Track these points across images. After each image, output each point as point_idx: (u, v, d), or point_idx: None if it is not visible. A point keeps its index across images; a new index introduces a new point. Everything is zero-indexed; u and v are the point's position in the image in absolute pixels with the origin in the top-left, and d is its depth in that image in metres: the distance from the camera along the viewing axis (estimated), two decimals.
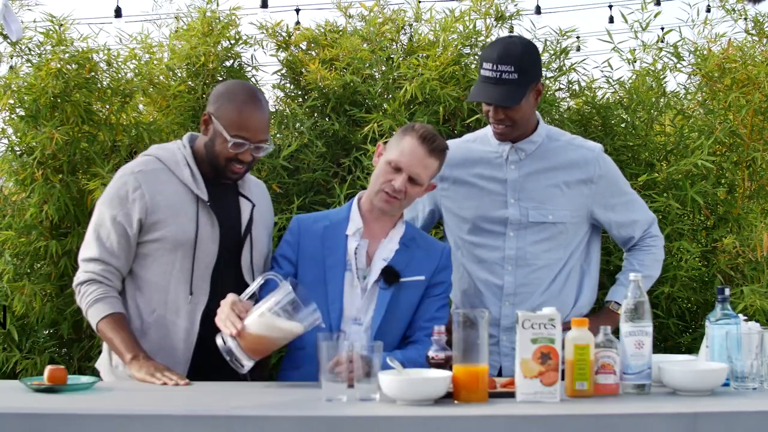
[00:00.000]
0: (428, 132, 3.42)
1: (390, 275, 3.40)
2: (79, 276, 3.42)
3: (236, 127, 3.37)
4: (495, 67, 3.54)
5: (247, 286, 3.30)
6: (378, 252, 3.44)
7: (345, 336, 3.21)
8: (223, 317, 3.11)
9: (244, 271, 3.46)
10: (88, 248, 3.42)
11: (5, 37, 4.71)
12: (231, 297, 3.15)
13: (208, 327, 3.29)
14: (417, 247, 3.48)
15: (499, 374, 3.65)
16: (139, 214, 3.35)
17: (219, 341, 3.09)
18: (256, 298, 3.22)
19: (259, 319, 3.07)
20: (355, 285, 3.40)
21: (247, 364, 3.08)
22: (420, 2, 5.08)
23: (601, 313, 3.72)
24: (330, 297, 3.37)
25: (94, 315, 3.36)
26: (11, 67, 4.92)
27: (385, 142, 3.50)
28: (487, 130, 3.75)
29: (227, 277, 3.42)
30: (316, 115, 4.92)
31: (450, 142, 3.80)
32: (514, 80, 3.53)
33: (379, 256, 3.43)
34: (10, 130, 4.80)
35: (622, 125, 4.82)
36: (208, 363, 3.30)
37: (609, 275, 4.29)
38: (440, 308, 3.45)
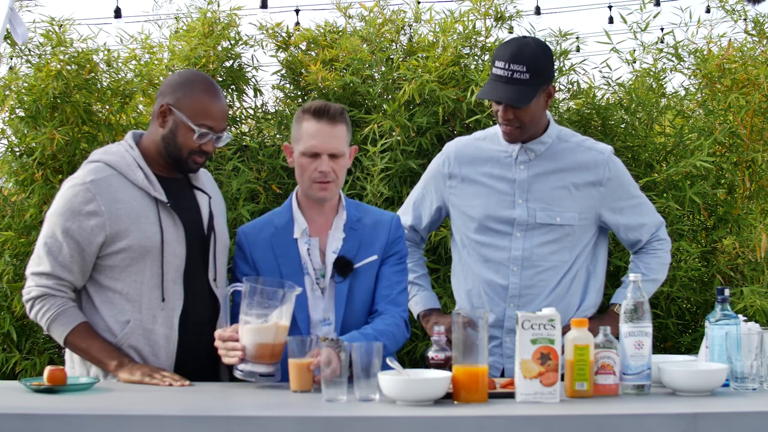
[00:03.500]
0: (318, 105, 3.33)
1: (343, 267, 3.34)
2: (31, 291, 3.27)
3: (201, 116, 3.28)
4: (507, 66, 3.52)
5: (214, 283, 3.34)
6: (328, 245, 3.37)
7: (315, 340, 3.16)
8: (223, 352, 3.11)
9: (213, 267, 3.40)
10: (38, 262, 3.27)
11: (6, 38, 4.70)
12: (217, 332, 3.14)
13: (188, 331, 3.29)
14: (363, 228, 3.40)
15: (502, 376, 3.64)
16: (99, 230, 3.21)
17: (237, 374, 3.10)
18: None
19: (246, 330, 3.08)
20: (315, 287, 3.35)
21: (270, 371, 3.09)
22: (419, 3, 5.08)
23: (605, 316, 3.70)
24: (295, 306, 3.23)
25: (59, 328, 3.23)
26: (11, 68, 4.92)
27: (288, 144, 3.43)
28: (497, 129, 3.72)
29: (199, 277, 3.35)
30: None
31: (460, 140, 3.78)
32: (526, 80, 3.51)
33: (329, 250, 3.36)
34: (9, 131, 4.80)
35: (622, 126, 4.82)
36: (191, 368, 3.26)
37: (609, 276, 4.29)
38: (395, 266, 3.39)
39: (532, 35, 4.83)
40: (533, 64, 3.50)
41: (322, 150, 3.30)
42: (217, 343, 3.14)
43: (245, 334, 3.08)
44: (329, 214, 3.41)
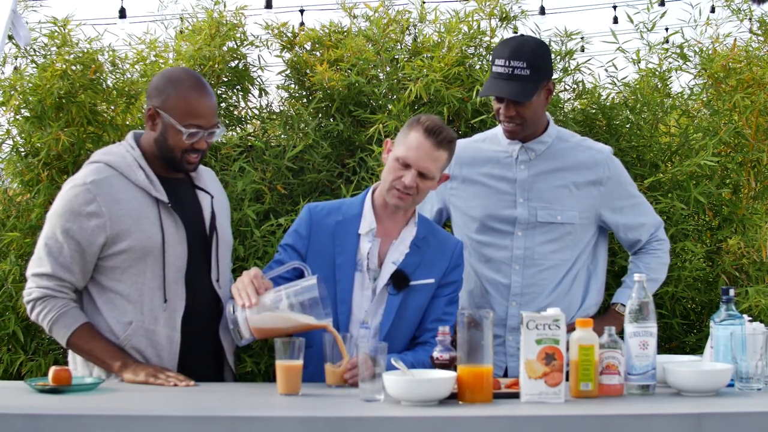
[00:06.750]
0: (434, 124, 3.34)
1: (399, 281, 3.37)
2: (32, 292, 3.28)
3: (189, 116, 3.26)
4: (507, 63, 3.55)
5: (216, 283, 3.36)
6: (389, 254, 3.41)
7: (350, 338, 3.21)
8: (241, 287, 3.13)
9: (216, 268, 3.39)
10: (39, 263, 3.28)
11: (11, 38, 4.71)
12: (255, 270, 3.17)
13: (190, 331, 3.29)
14: (428, 247, 3.44)
15: (505, 375, 3.65)
16: (100, 231, 3.21)
17: (228, 308, 3.14)
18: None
19: (276, 305, 3.09)
20: (365, 286, 3.38)
21: (247, 338, 3.13)
22: (424, 3, 5.07)
23: (606, 315, 3.72)
24: (339, 297, 3.35)
25: (61, 330, 3.24)
26: (16, 68, 4.92)
27: (394, 137, 3.47)
28: (497, 130, 3.76)
29: (201, 277, 3.36)
30: (320, 115, 4.92)
31: (460, 142, 3.80)
32: (526, 76, 3.54)
33: (389, 259, 3.40)
34: (15, 131, 4.80)
35: (627, 126, 4.81)
36: (193, 368, 3.26)
37: (614, 276, 4.29)
38: (448, 306, 3.43)
39: (537, 35, 4.85)
40: (533, 60, 3.54)
41: (415, 165, 3.32)
42: (247, 275, 3.16)
43: (268, 303, 3.10)
44: (399, 222, 3.44)
